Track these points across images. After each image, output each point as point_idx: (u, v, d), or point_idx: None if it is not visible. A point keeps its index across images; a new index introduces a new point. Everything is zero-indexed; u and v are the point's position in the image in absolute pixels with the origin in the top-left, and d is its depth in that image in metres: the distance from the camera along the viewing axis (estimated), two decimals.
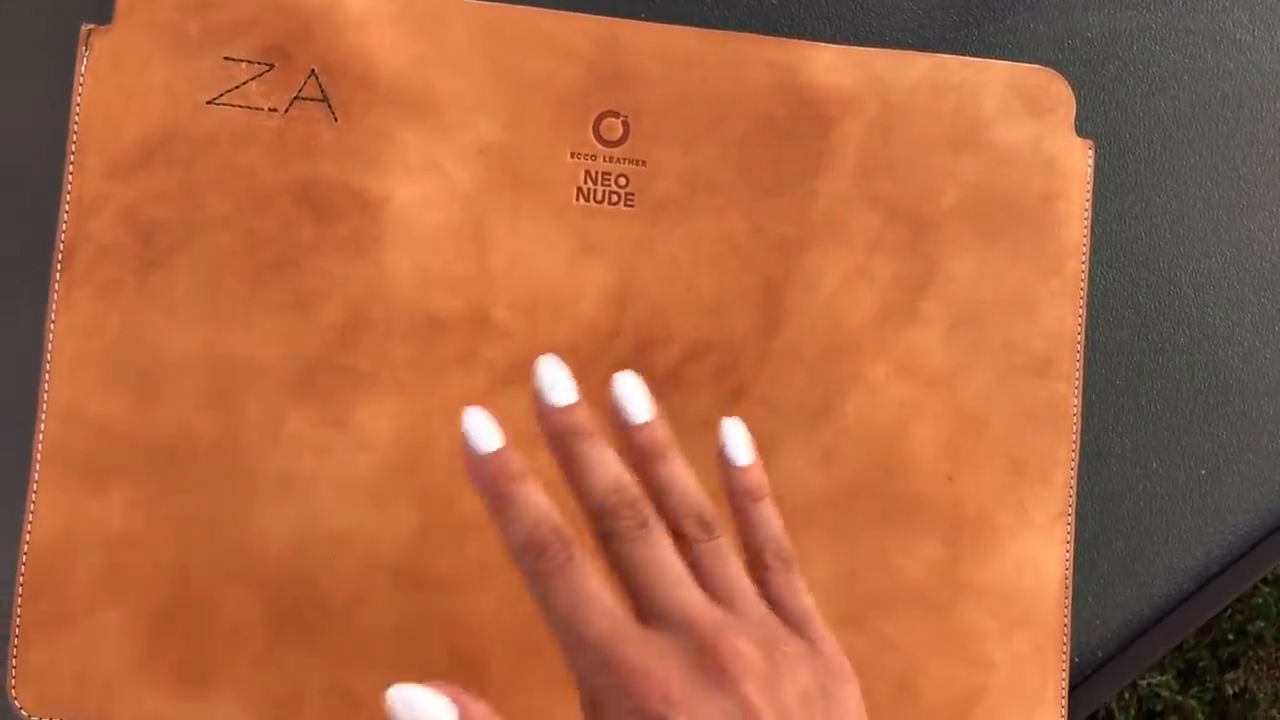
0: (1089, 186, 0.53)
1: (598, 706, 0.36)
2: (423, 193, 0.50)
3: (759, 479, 0.42)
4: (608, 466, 0.39)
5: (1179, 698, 1.27)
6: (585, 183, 0.51)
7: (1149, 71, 0.56)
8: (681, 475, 0.40)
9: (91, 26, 0.49)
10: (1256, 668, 1.31)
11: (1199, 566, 0.55)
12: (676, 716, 0.35)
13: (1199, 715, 1.27)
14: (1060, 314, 0.53)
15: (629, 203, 0.51)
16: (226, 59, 0.49)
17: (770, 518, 0.42)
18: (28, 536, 0.48)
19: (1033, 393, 0.52)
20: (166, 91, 0.49)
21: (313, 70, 0.49)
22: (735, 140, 0.51)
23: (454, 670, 0.49)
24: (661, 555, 0.38)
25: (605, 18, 0.51)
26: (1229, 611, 1.32)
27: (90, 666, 0.48)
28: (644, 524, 0.38)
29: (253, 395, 0.49)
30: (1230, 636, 1.31)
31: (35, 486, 0.48)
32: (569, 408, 0.40)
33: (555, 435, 0.40)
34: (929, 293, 0.52)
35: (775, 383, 0.51)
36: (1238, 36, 0.56)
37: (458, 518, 0.49)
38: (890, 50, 0.52)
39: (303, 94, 0.49)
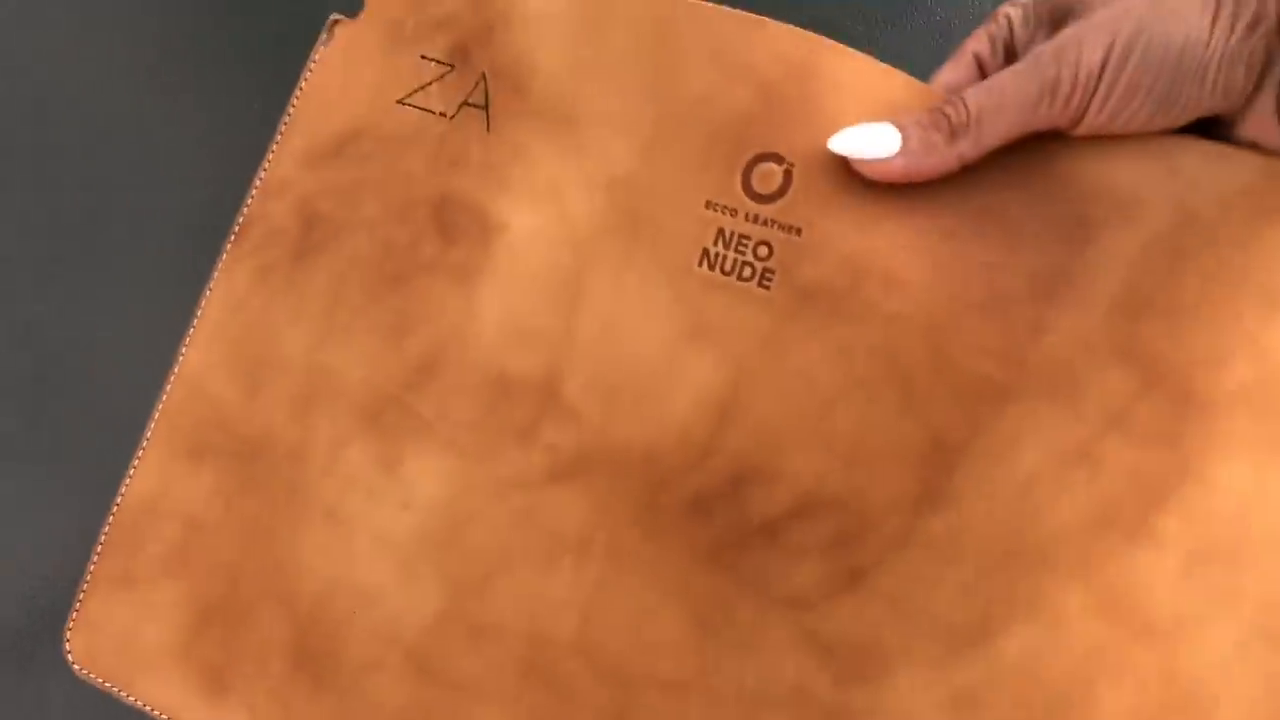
0: None
1: None
2: (537, 225, 0.40)
3: None
4: None
5: None
6: (715, 244, 0.38)
7: None
8: None
9: (339, 17, 0.47)
10: None
11: None
12: None
13: None
14: None
15: (765, 282, 0.37)
16: (422, 58, 0.44)
17: None
18: (124, 490, 0.46)
19: None
20: (373, 87, 0.45)
21: (483, 74, 0.43)
22: (939, 228, 0.36)
23: None
24: None
25: (808, 34, 0.38)
26: None
27: (136, 636, 0.45)
28: None
29: (328, 413, 0.43)
30: None
31: (145, 443, 0.46)
32: None
33: None
34: (1174, 505, 0.33)
35: (913, 578, 0.35)
36: None
37: (481, 616, 0.39)
38: (1201, 140, 0.34)
39: (471, 99, 0.43)
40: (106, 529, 0.46)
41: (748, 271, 0.38)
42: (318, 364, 0.43)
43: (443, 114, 0.43)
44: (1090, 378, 0.34)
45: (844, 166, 0.37)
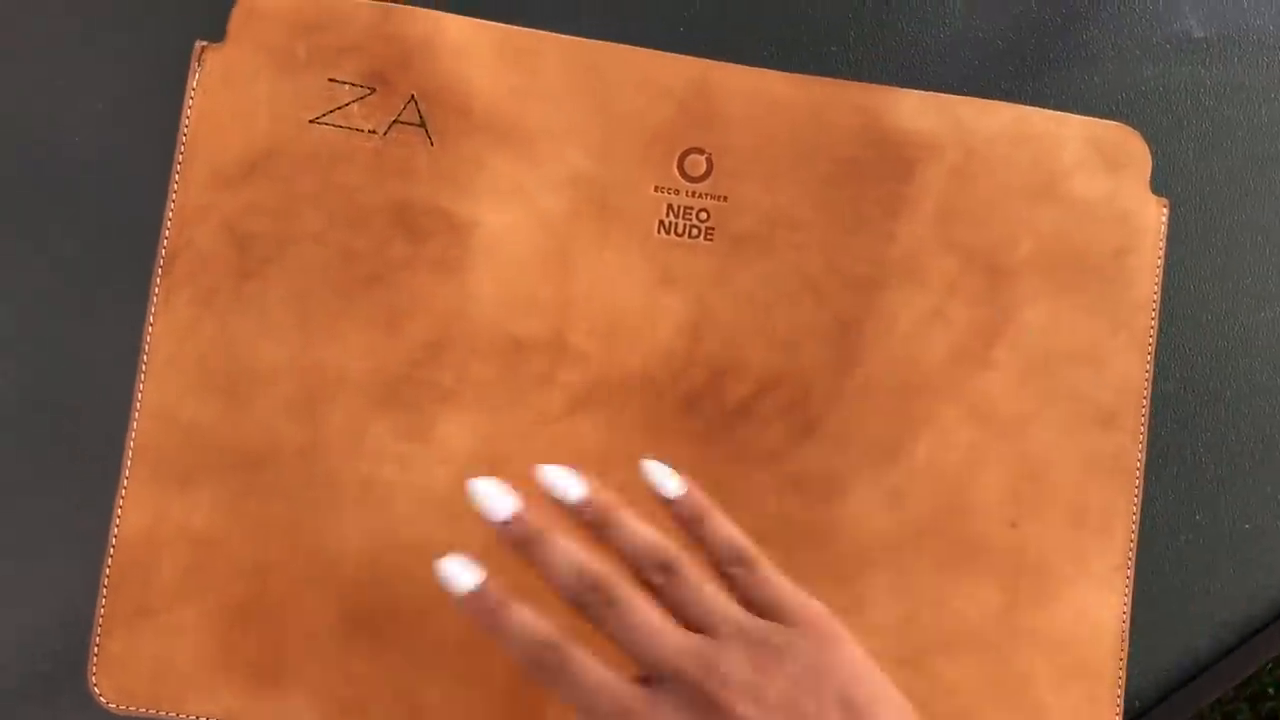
0: (1162, 243, 0.52)
1: None
2: (511, 219, 0.50)
3: (696, 501, 0.44)
4: (566, 557, 0.42)
5: None
6: (668, 216, 0.51)
7: (1202, 126, 0.55)
8: (631, 529, 0.43)
9: (205, 44, 0.50)
10: None
11: (1241, 620, 0.54)
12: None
13: None
14: (1127, 368, 0.52)
15: (709, 237, 0.51)
16: (331, 80, 0.50)
17: (718, 529, 0.44)
18: (115, 530, 0.48)
19: (1097, 444, 0.51)
20: (272, 109, 0.50)
21: (412, 96, 0.50)
22: (817, 180, 0.51)
23: (513, 683, 0.49)
24: (636, 619, 0.41)
25: (697, 59, 0.51)
26: (1269, 666, 1.29)
27: (168, 660, 0.48)
28: (611, 600, 0.41)
29: (338, 406, 0.49)
30: (1271, 690, 1.28)
31: (125, 482, 0.48)
32: (512, 519, 0.43)
33: (513, 546, 0.43)
34: (1002, 339, 0.51)
35: (847, 420, 0.51)
36: None
37: None
38: (973, 99, 0.52)
39: (402, 118, 0.50)
40: (107, 570, 0.48)
41: (694, 231, 0.51)
42: (308, 367, 0.49)
43: (372, 131, 0.50)
44: (929, 264, 0.51)
45: (748, 151, 0.51)
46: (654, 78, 0.51)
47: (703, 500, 0.44)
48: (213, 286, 0.49)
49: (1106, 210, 0.52)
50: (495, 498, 0.43)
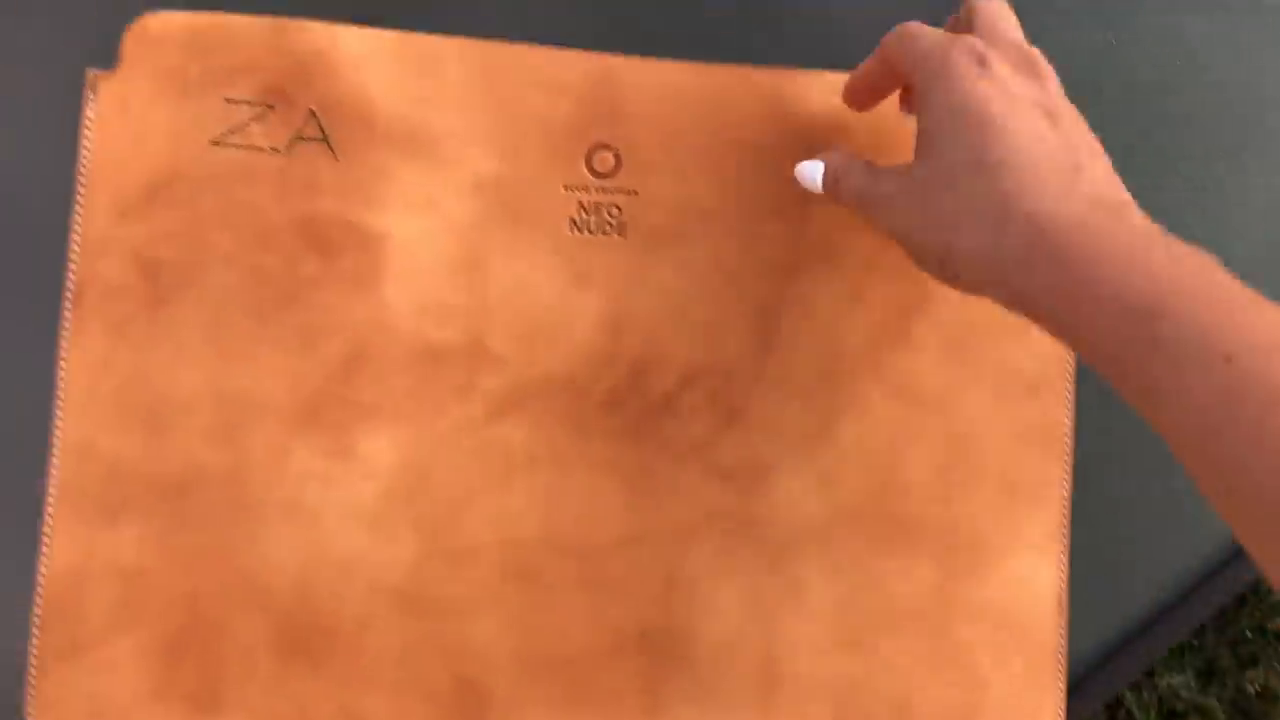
0: None
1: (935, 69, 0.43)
2: (421, 227, 0.50)
3: None
4: None
5: (1199, 697, 1.26)
6: (579, 214, 0.50)
7: None
8: None
9: (97, 72, 0.49)
10: (1277, 665, 1.29)
11: (1178, 578, 0.55)
12: (989, 54, 0.43)
13: (1220, 715, 1.26)
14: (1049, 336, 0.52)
15: (622, 232, 0.50)
16: (228, 100, 0.49)
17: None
18: (43, 569, 0.48)
19: (1025, 413, 0.52)
20: (171, 134, 0.49)
21: (312, 110, 0.49)
22: (727, 168, 0.51)
23: (456, 693, 0.49)
24: None
25: (598, 53, 0.51)
26: (1248, 609, 1.30)
27: (105, 695, 0.48)
28: None
29: (258, 429, 0.49)
30: (1248, 634, 1.30)
31: (50, 521, 0.48)
32: None
33: None
34: (921, 316, 0.51)
35: (771, 407, 0.51)
36: None
37: (457, 544, 0.49)
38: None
39: (303, 134, 0.49)
40: (37, 610, 0.48)
41: (607, 228, 0.50)
42: (227, 392, 0.49)
43: (274, 149, 0.49)
44: (844, 245, 0.51)
45: (655, 144, 0.51)
46: (555, 75, 0.51)
47: None
48: (125, 317, 0.49)
49: None
50: None
